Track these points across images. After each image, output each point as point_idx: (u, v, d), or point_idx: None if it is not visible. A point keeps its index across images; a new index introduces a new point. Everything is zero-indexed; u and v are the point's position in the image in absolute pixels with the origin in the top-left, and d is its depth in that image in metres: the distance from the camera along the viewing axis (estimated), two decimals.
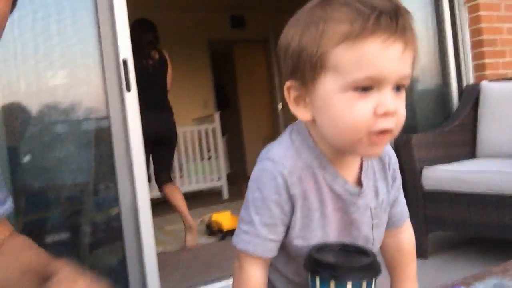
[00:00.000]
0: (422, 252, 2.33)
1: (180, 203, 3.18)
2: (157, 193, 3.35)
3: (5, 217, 0.87)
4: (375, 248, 0.79)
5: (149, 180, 2.43)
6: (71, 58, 2.01)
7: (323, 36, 0.63)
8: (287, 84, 0.70)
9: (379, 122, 0.63)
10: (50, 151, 1.96)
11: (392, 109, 0.63)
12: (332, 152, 0.72)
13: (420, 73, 2.95)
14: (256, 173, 0.72)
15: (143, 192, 2.03)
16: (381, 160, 0.79)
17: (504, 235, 2.10)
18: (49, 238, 1.94)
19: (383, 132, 0.64)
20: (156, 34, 3.27)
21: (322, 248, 0.71)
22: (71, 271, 0.71)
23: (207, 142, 5.34)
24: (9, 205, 0.86)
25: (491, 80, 2.84)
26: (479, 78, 2.95)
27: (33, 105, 1.94)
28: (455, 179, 2.26)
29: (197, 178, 5.20)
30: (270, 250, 0.73)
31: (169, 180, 3.26)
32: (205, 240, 3.29)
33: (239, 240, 0.73)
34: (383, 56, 0.61)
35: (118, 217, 1.99)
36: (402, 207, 0.85)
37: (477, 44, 2.98)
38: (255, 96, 7.08)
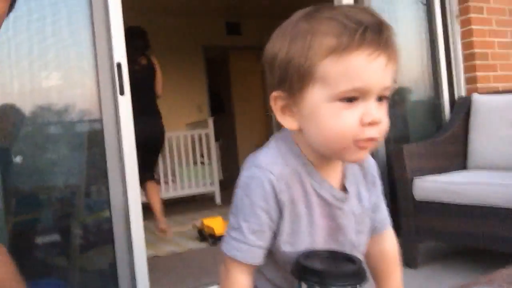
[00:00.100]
0: (412, 261, 2.34)
1: (156, 204, 3.30)
2: None
3: None
4: (360, 253, 0.80)
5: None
6: (65, 60, 2.01)
7: (311, 48, 0.65)
8: (274, 94, 0.72)
9: (365, 131, 0.66)
10: (42, 152, 1.96)
11: (377, 119, 0.66)
12: (318, 159, 0.73)
13: (413, 84, 2.98)
14: (243, 180, 0.74)
15: (135, 195, 2.03)
16: (361, 166, 0.81)
17: (493, 246, 2.12)
18: (40, 240, 1.93)
19: (368, 140, 0.67)
20: (146, 40, 3.36)
21: (310, 255, 0.72)
22: None
23: (201, 147, 5.34)
24: None
25: (482, 93, 2.88)
26: (470, 91, 2.98)
27: (26, 106, 1.94)
28: (446, 190, 2.27)
29: (190, 183, 5.20)
30: (258, 257, 0.74)
31: (152, 177, 3.41)
32: (197, 245, 3.28)
33: (227, 247, 0.74)
34: (369, 69, 0.64)
35: (109, 220, 1.99)
36: (384, 213, 0.86)
37: (469, 58, 3.02)
38: (250, 102, 7.10)
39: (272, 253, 0.75)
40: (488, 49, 3.04)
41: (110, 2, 1.99)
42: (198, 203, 5.24)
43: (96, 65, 1.99)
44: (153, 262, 2.58)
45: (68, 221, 1.98)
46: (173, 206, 4.85)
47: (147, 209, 2.48)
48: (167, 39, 5.73)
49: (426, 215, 2.33)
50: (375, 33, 0.64)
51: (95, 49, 1.98)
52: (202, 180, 5.29)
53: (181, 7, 5.73)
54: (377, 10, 0.70)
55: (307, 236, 0.74)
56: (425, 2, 3.00)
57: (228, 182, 5.83)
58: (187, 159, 5.23)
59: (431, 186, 2.33)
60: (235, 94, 7.14)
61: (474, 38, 2.99)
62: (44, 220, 1.95)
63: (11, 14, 0.87)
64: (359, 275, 0.68)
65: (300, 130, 0.71)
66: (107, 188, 1.99)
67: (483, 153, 2.59)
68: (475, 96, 2.77)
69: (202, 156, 5.35)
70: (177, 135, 5.16)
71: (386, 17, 0.68)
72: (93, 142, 2.01)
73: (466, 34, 3.01)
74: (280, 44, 0.70)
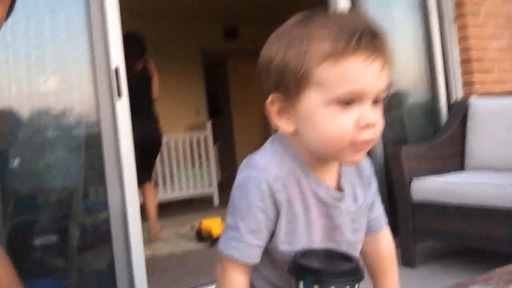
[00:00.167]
0: (410, 261, 2.35)
1: (151, 208, 3.31)
2: None
3: None
4: (357, 252, 0.81)
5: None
6: (63, 65, 2.02)
7: (307, 53, 0.66)
8: (270, 97, 0.72)
9: (362, 134, 0.67)
10: (41, 155, 1.96)
11: (373, 121, 0.67)
12: (314, 160, 0.74)
13: (411, 87, 2.99)
14: (240, 181, 0.74)
15: (133, 196, 2.03)
16: (357, 166, 0.82)
17: (491, 246, 2.13)
18: (38, 241, 1.93)
19: (365, 142, 0.68)
20: (142, 45, 3.39)
21: (307, 253, 0.73)
22: None
23: (199, 150, 5.36)
24: None
25: (479, 96, 2.89)
26: (467, 94, 3.00)
27: (24, 110, 1.95)
28: (444, 190, 2.28)
29: (188, 185, 5.21)
30: (255, 256, 0.74)
31: (149, 179, 3.47)
32: (195, 246, 3.28)
33: (225, 246, 0.74)
34: (365, 73, 0.66)
35: (107, 221, 1.99)
36: (380, 211, 0.87)
37: (465, 61, 3.03)
38: (247, 105, 7.11)
39: (269, 252, 0.76)
40: (485, 52, 3.06)
41: (108, 7, 2.00)
42: (196, 204, 5.25)
43: (94, 69, 1.99)
44: (151, 263, 2.58)
45: (66, 222, 1.98)
46: (172, 207, 4.86)
47: (143, 210, 2.49)
48: (166, 44, 5.76)
49: (424, 215, 2.34)
50: (370, 38, 0.65)
51: (92, 53, 1.99)
52: (201, 182, 5.31)
53: (180, 12, 5.76)
54: (374, 14, 0.72)
55: (304, 235, 0.74)
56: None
57: (226, 184, 5.84)
58: (185, 161, 5.24)
59: (429, 187, 2.34)
60: (233, 97, 7.15)
61: (471, 42, 3.01)
62: (43, 222, 1.95)
63: (9, 19, 0.87)
64: (356, 273, 0.68)
65: (296, 133, 0.72)
66: (105, 190, 1.99)
67: (480, 154, 2.60)
68: (472, 99, 2.79)
69: (200, 158, 5.36)
70: (176, 137, 5.18)
71: (383, 21, 0.69)
72: (91, 145, 2.02)
73: (463, 38, 3.03)
74: (276, 49, 0.70)
